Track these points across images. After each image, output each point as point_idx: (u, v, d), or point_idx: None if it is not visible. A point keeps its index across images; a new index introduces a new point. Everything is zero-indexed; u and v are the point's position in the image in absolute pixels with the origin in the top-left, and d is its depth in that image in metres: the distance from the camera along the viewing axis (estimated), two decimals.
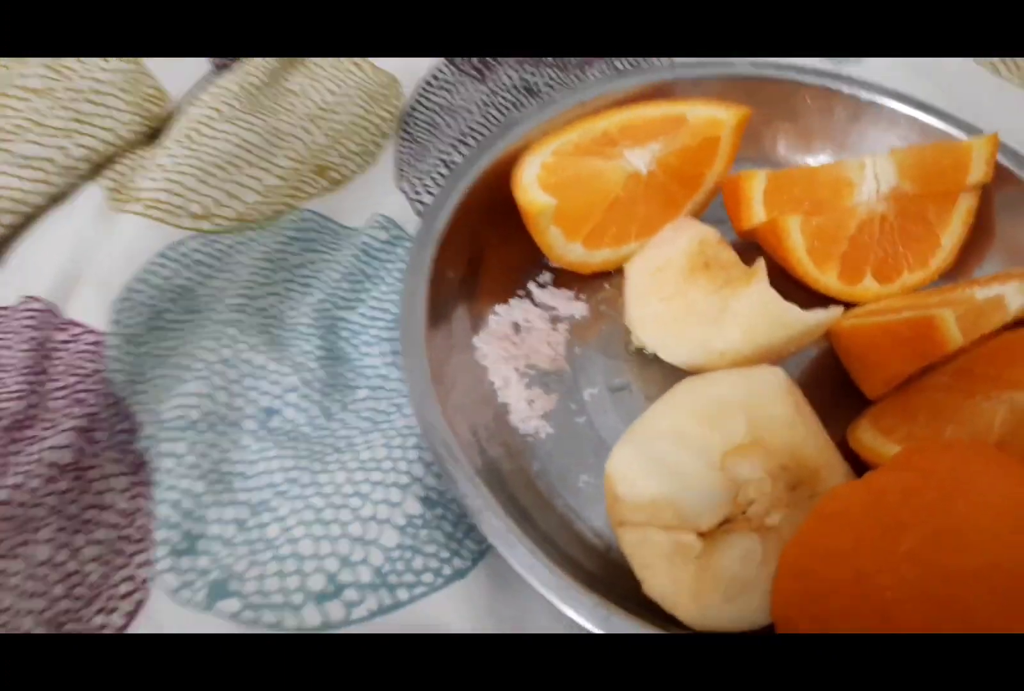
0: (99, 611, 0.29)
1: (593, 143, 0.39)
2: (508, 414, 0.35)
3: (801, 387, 0.37)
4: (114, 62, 0.41)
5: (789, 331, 0.33)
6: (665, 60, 0.49)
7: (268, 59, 0.44)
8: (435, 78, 0.47)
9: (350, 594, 0.28)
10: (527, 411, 0.35)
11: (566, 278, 0.40)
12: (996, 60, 0.52)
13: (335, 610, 0.28)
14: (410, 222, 0.39)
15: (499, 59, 0.48)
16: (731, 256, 0.37)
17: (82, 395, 0.31)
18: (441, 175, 0.40)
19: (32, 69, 0.38)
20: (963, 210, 0.40)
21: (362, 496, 0.30)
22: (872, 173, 0.39)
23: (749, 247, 0.40)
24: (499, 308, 0.38)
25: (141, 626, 0.29)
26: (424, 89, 0.46)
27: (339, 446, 0.31)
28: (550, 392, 0.36)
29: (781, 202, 0.38)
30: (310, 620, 0.27)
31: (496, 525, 0.28)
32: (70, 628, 0.29)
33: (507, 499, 0.31)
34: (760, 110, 0.44)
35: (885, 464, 0.29)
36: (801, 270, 0.38)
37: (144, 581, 0.30)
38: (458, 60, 0.47)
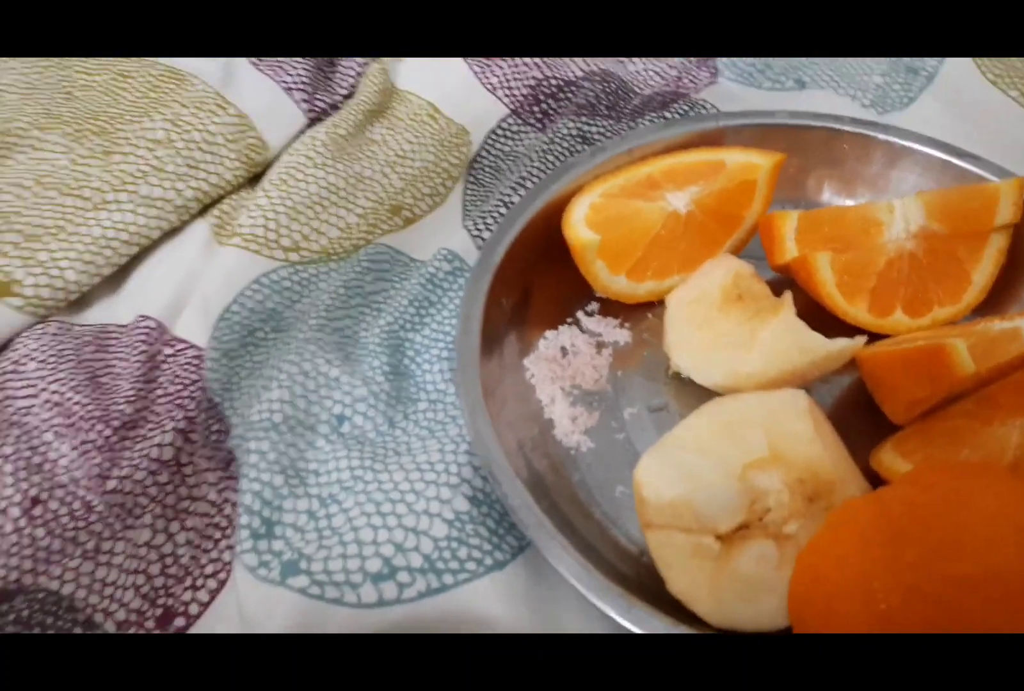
0: (188, 587, 0.34)
1: (638, 186, 0.43)
2: (553, 429, 0.38)
3: (833, 413, 0.40)
4: (223, 116, 0.47)
5: (811, 356, 0.36)
6: (710, 110, 0.53)
7: (354, 111, 0.49)
8: (501, 128, 0.52)
9: (402, 576, 0.31)
10: (570, 427, 0.38)
11: (612, 308, 0.43)
12: None
13: (388, 590, 0.31)
14: (472, 255, 0.43)
15: (559, 110, 0.52)
16: (763, 289, 0.40)
17: (183, 401, 0.37)
18: (501, 214, 0.45)
19: (156, 123, 0.45)
20: (994, 249, 0.42)
21: (416, 493, 0.33)
22: (901, 214, 0.41)
23: (784, 281, 0.43)
24: (548, 333, 0.42)
25: (223, 600, 0.33)
26: (491, 138, 0.51)
27: (399, 450, 0.36)
28: (592, 410, 0.39)
29: (812, 240, 0.41)
30: (366, 597, 0.31)
31: (533, 521, 0.31)
32: (162, 602, 0.33)
33: (549, 506, 0.34)
34: (801, 157, 0.48)
35: (896, 480, 0.32)
36: (831, 303, 0.41)
37: (228, 562, 0.34)
38: (523, 112, 0.52)
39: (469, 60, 0.53)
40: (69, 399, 0.36)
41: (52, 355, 0.38)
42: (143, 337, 0.38)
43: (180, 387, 0.37)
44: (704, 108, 0.53)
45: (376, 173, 0.47)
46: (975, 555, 0.28)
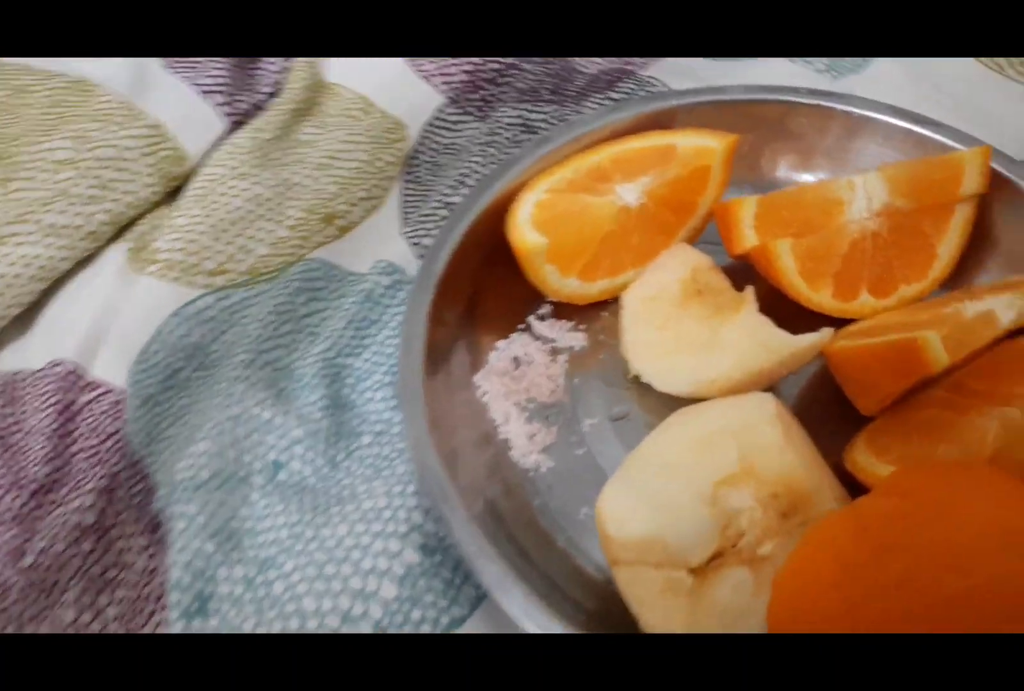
0: None
1: (586, 178, 0.40)
2: (509, 450, 0.36)
3: (799, 405, 0.38)
4: (134, 127, 0.43)
5: (778, 356, 0.34)
6: (660, 89, 0.50)
7: (280, 112, 0.46)
8: (438, 119, 0.49)
9: None
10: (528, 446, 0.36)
11: (566, 309, 0.41)
12: (1001, 60, 0.51)
13: None
14: (412, 265, 0.41)
15: (500, 96, 0.49)
16: (723, 282, 0.38)
17: (104, 456, 0.33)
18: (441, 217, 0.42)
19: (56, 142, 0.41)
20: (960, 220, 0.40)
21: (362, 548, 0.31)
22: (862, 191, 0.39)
23: (744, 268, 0.41)
24: (499, 344, 0.39)
25: None
26: (428, 130, 0.48)
27: (343, 496, 0.33)
28: (550, 425, 0.37)
29: (771, 225, 0.38)
30: None
31: (491, 570, 0.29)
32: None
33: (507, 540, 0.32)
34: (756, 133, 0.45)
35: (872, 490, 0.30)
36: (794, 292, 0.39)
37: None
38: (461, 100, 0.49)
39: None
40: None
41: None
42: (56, 384, 0.35)
43: (99, 440, 0.34)
44: (653, 85, 0.50)
45: (306, 178, 0.44)
46: (963, 569, 0.27)
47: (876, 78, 0.50)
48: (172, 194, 0.44)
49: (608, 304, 0.41)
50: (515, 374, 0.38)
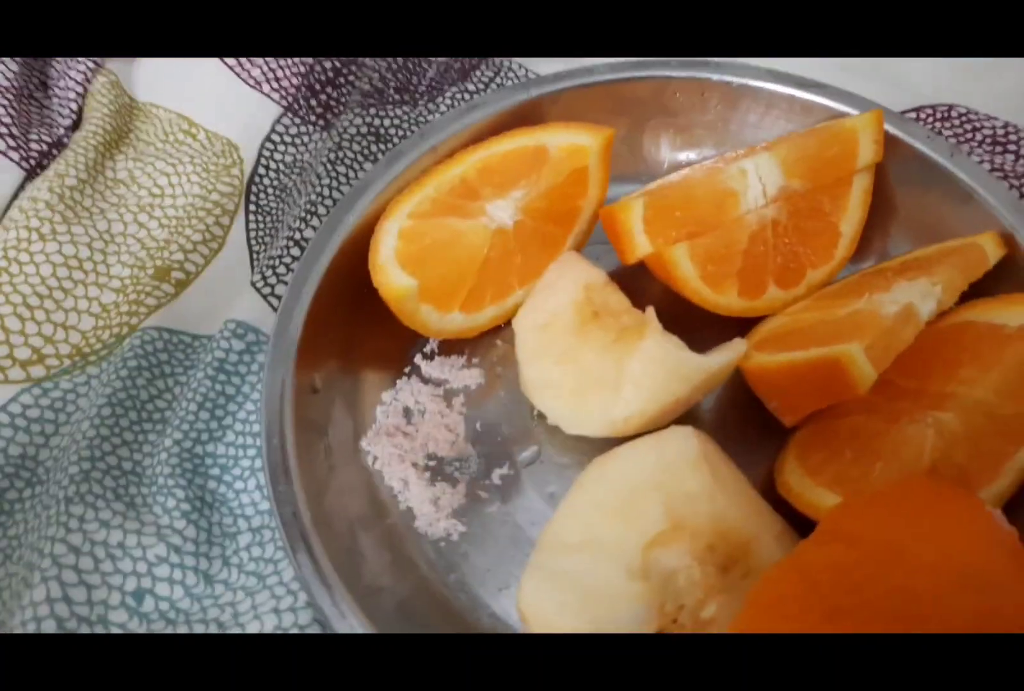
0: None
1: (451, 195, 0.35)
2: (414, 521, 0.32)
3: (716, 419, 0.35)
4: None
5: (692, 383, 0.31)
6: (518, 73, 0.45)
7: (84, 147, 0.39)
8: (276, 133, 0.42)
9: None
10: (434, 513, 0.32)
11: (454, 343, 0.37)
12: None
13: None
14: (268, 320, 0.35)
15: (342, 100, 0.43)
16: (621, 301, 0.34)
17: None
18: (294, 257, 0.36)
19: None
20: (859, 192, 0.38)
21: None
22: (755, 178, 0.36)
23: (642, 272, 0.37)
24: (385, 395, 0.35)
25: None
26: (267, 149, 0.42)
27: (222, 620, 0.28)
28: (456, 484, 0.33)
29: (663, 228, 0.35)
30: None
31: None
32: None
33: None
34: (631, 115, 0.41)
35: (813, 533, 0.27)
36: (699, 298, 0.35)
37: None
38: (299, 108, 0.43)
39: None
40: None
41: None
42: None
43: None
44: (512, 71, 0.45)
45: (130, 225, 0.37)
46: (923, 619, 0.24)
47: None
48: None
49: (501, 330, 0.37)
50: (407, 430, 0.34)
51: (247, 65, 0.43)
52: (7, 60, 0.40)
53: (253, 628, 0.27)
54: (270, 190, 0.41)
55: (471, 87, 0.43)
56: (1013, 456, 0.30)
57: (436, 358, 0.36)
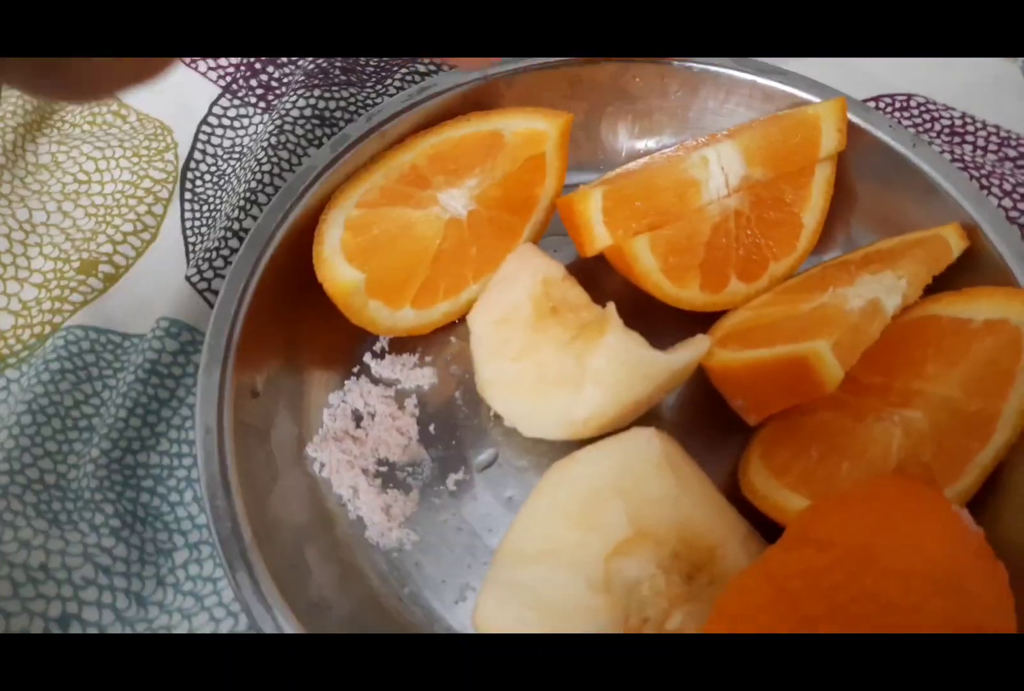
0: None
1: (402, 183, 0.33)
2: (365, 531, 0.30)
3: (677, 416, 0.34)
4: None
5: (654, 381, 0.30)
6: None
7: (2, 130, 0.36)
8: (214, 116, 0.40)
9: None
10: (385, 522, 0.30)
11: (405, 341, 0.35)
12: None
13: None
14: (204, 318, 0.33)
15: (284, 79, 0.41)
16: (580, 296, 0.33)
17: None
18: (232, 250, 0.34)
19: None
20: (821, 182, 0.37)
21: None
22: (717, 167, 0.34)
23: (601, 264, 0.36)
24: (332, 397, 0.33)
25: None
26: (203, 132, 0.39)
27: None
28: (409, 490, 0.31)
29: (623, 219, 0.33)
30: None
31: None
32: None
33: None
34: (589, 100, 0.40)
35: (781, 538, 0.26)
36: (660, 293, 0.34)
37: None
38: (238, 88, 0.41)
39: None
40: None
41: None
42: None
43: None
44: None
45: (53, 214, 0.35)
46: (898, 625, 0.24)
47: None
48: None
49: (455, 326, 0.35)
50: (356, 434, 0.32)
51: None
52: None
53: None
54: (207, 177, 0.38)
55: (421, 68, 0.41)
56: (978, 453, 0.29)
57: (386, 357, 0.34)
